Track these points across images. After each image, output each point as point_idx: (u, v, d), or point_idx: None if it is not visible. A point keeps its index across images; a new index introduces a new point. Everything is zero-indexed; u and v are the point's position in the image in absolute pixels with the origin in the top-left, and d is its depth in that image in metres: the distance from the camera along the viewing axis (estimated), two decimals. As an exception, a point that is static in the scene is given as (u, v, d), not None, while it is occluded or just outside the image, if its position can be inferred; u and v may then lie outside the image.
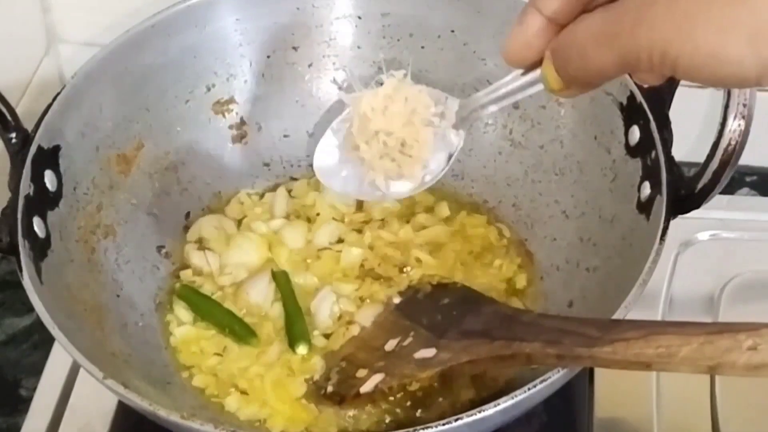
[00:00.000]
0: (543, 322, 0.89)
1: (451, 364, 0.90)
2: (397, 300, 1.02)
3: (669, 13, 0.62)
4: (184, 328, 1.02)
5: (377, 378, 0.93)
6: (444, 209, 1.10)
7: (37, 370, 1.06)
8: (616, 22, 0.65)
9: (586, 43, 0.67)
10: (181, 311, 1.03)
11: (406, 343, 0.95)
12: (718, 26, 0.61)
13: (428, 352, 0.92)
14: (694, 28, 0.62)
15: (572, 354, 0.82)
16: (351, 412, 0.95)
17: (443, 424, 0.81)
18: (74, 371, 1.04)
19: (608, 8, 0.66)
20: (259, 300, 1.03)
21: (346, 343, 0.99)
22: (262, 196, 1.12)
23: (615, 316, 0.85)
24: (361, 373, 0.95)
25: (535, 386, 0.82)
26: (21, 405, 1.05)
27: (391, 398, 0.95)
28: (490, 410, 0.81)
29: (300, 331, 1.01)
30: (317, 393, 0.97)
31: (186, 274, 1.06)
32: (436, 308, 0.98)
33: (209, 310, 1.03)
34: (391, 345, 0.96)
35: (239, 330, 1.01)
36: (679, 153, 0.94)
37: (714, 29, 0.61)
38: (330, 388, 0.96)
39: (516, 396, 0.82)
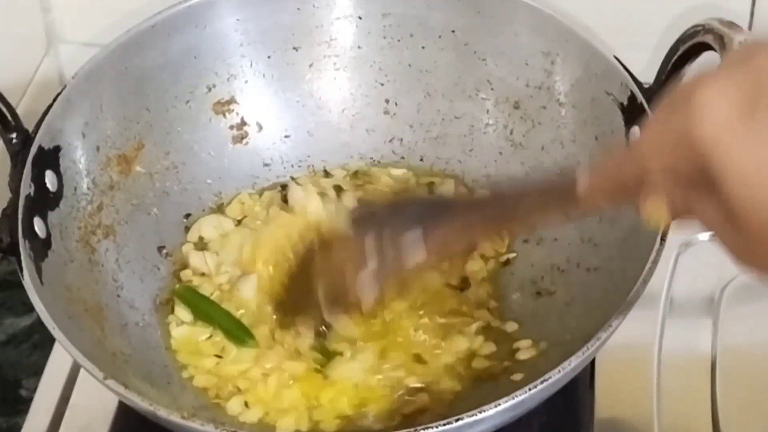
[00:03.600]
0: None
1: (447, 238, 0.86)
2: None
3: None
4: (182, 328, 1.02)
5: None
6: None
7: (37, 371, 1.06)
8: None
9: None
10: (182, 311, 1.03)
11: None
12: None
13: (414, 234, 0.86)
14: None
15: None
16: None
17: (443, 424, 0.81)
18: (75, 371, 1.04)
19: None
20: (250, 296, 1.03)
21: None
22: (261, 194, 1.12)
23: (616, 316, 0.86)
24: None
25: (535, 386, 0.82)
26: (21, 405, 1.04)
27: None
28: (490, 410, 0.81)
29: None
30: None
31: (186, 275, 1.06)
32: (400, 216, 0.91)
33: (206, 311, 1.03)
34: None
35: (236, 331, 1.01)
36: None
37: None
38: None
39: (516, 396, 0.82)
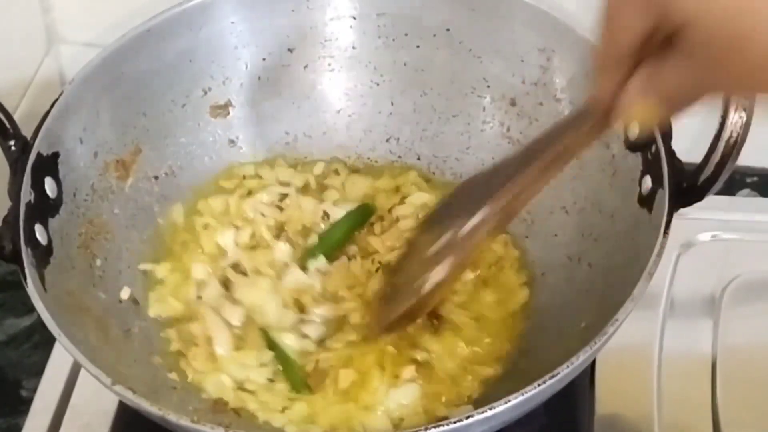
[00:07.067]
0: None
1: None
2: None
3: None
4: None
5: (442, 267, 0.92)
6: None
7: (37, 371, 1.06)
8: None
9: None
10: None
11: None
12: None
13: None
14: None
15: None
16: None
17: (444, 424, 0.81)
18: (75, 372, 1.04)
19: None
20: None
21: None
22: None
23: (621, 310, 0.85)
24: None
25: (536, 386, 0.83)
26: (22, 406, 1.05)
27: None
28: (491, 410, 0.82)
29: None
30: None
31: None
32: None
33: None
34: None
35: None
36: (678, 150, 0.93)
37: None
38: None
39: (516, 396, 0.82)
